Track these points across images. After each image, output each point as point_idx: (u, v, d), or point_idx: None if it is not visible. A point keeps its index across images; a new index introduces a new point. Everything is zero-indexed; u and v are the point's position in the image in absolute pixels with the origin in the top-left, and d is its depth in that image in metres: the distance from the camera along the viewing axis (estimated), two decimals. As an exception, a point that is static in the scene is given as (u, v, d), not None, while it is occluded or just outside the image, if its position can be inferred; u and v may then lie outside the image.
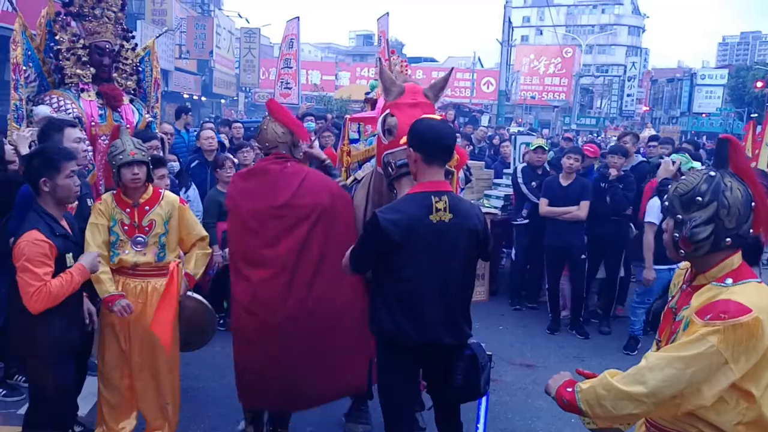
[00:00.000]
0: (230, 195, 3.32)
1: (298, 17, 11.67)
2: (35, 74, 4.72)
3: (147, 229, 3.29)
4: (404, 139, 2.73)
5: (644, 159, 7.11)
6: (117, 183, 3.32)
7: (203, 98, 27.55)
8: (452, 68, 3.21)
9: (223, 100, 32.07)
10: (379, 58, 3.62)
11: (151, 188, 3.37)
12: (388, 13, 10.44)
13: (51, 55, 4.76)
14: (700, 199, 1.84)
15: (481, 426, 2.76)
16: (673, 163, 5.30)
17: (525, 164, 6.59)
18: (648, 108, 54.94)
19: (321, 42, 56.16)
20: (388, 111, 2.93)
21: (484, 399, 2.76)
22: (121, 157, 3.23)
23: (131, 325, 3.29)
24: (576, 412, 1.97)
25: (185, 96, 24.70)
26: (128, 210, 3.28)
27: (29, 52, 4.65)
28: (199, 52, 23.73)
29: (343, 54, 48.50)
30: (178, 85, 23.01)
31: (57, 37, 4.73)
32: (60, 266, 2.78)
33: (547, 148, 6.70)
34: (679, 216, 1.91)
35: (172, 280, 3.26)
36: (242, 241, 3.20)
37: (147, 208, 3.31)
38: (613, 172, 5.78)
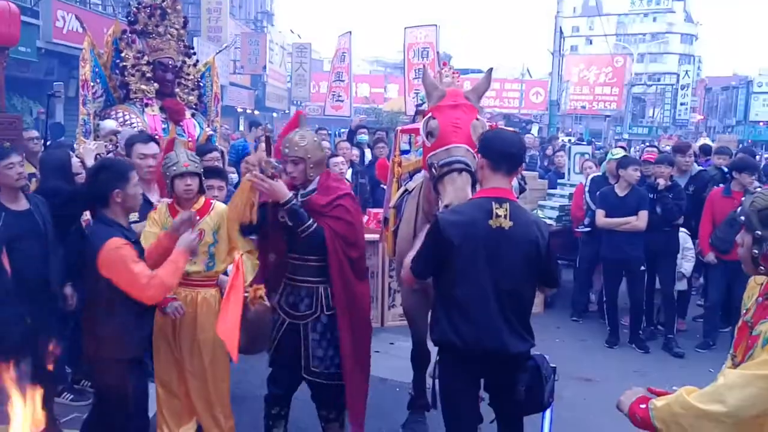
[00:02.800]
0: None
1: (350, 32, 11.78)
2: (102, 90, 4.95)
3: (197, 238, 3.34)
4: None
5: (703, 168, 6.89)
6: (170, 194, 3.41)
7: (256, 112, 28.12)
8: (491, 68, 3.21)
9: (275, 114, 32.66)
10: (425, 66, 3.66)
11: (202, 199, 3.45)
12: (437, 26, 10.43)
13: (117, 71, 4.97)
14: None
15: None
16: None
17: (600, 174, 6.47)
18: (703, 117, 53.17)
19: (369, 56, 56.60)
20: (430, 114, 2.98)
21: (548, 412, 2.71)
22: (174, 168, 3.32)
23: (180, 332, 3.35)
24: (650, 430, 1.91)
25: (239, 110, 25.29)
26: None
27: (97, 69, 4.87)
28: (253, 67, 24.25)
29: (392, 67, 48.77)
30: (232, 100, 23.56)
31: (122, 54, 4.94)
32: None
33: None
34: (758, 232, 1.85)
35: (237, 272, 3.18)
36: None
37: (197, 218, 3.35)
38: (662, 182, 5.65)
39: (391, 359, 5.27)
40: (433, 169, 2.86)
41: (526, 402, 2.61)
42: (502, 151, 2.61)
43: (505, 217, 2.54)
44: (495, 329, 2.55)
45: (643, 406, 1.92)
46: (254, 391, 4.06)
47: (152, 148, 3.79)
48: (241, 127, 20.47)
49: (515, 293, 2.60)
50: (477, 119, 2.94)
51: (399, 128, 4.21)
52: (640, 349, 5.68)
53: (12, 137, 4.47)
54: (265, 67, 25.19)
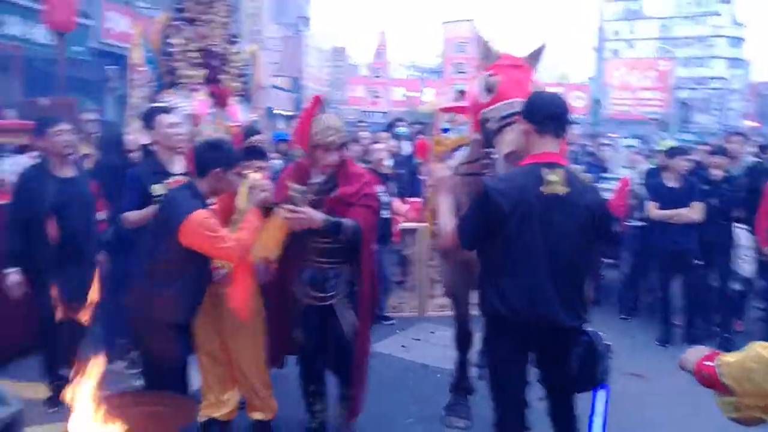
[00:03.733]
0: None
1: (385, 30, 11.84)
2: (152, 75, 5.03)
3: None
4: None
5: (759, 160, 6.65)
6: None
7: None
8: (544, 43, 3.12)
9: (312, 117, 32.93)
10: (479, 37, 3.57)
11: None
12: (473, 20, 10.40)
13: (166, 57, 5.04)
14: None
15: (599, 420, 2.58)
16: None
17: (654, 167, 6.29)
18: (759, 125, 51.46)
19: (406, 60, 56.45)
20: (489, 72, 2.90)
21: (603, 391, 2.59)
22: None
23: (222, 302, 3.31)
24: (717, 388, 1.79)
25: (279, 112, 25.53)
26: None
27: (147, 55, 4.97)
28: (292, 70, 24.54)
29: (428, 71, 48.72)
30: (272, 102, 23.83)
31: (171, 41, 5.00)
32: None
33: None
34: None
35: None
36: None
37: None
38: (718, 172, 5.46)
39: (432, 348, 5.23)
40: (489, 124, 2.78)
41: (578, 378, 2.51)
42: (548, 112, 2.51)
43: (560, 183, 2.44)
44: (547, 300, 2.46)
45: (710, 363, 1.80)
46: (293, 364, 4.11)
47: (174, 117, 3.78)
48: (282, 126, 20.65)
49: (570, 263, 2.50)
50: (533, 82, 2.88)
51: (440, 107, 4.17)
52: (695, 348, 5.45)
53: (69, 118, 4.61)
54: (303, 70, 25.43)
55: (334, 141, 3.08)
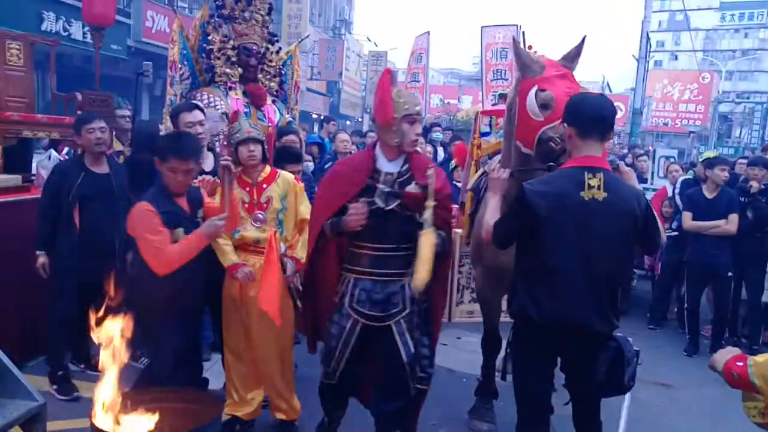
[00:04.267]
0: None
1: (428, 32, 11.71)
2: (189, 72, 5.07)
3: (265, 205, 3.36)
4: None
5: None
6: (236, 162, 3.39)
7: (333, 123, 28.65)
8: (585, 36, 3.04)
9: (348, 122, 33.15)
10: (513, 37, 3.52)
11: (268, 168, 3.47)
12: (518, 26, 10.28)
13: (203, 54, 5.09)
14: None
15: (622, 426, 2.55)
16: None
17: (690, 178, 6.25)
18: (803, 140, 49.79)
19: (444, 67, 56.40)
20: (536, 87, 2.81)
21: (627, 396, 2.56)
22: (237, 135, 3.36)
23: (250, 300, 3.32)
24: (746, 388, 1.78)
25: (314, 116, 25.79)
26: (248, 188, 3.36)
27: (184, 51, 5.00)
28: (329, 73, 24.66)
29: (466, 78, 48.61)
30: (307, 105, 23.99)
31: (209, 38, 5.05)
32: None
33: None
34: None
35: (270, 248, 3.19)
36: None
37: (265, 185, 3.39)
38: (755, 184, 5.39)
39: (458, 352, 5.20)
40: (553, 143, 2.70)
41: (605, 383, 2.47)
42: (591, 114, 2.44)
43: (599, 187, 2.38)
44: (580, 305, 2.41)
45: (740, 363, 1.79)
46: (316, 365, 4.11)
47: (197, 115, 3.78)
48: (315, 129, 20.87)
49: (606, 269, 2.44)
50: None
51: (480, 110, 4.14)
52: (723, 360, 5.36)
53: (104, 114, 4.71)
54: (341, 74, 25.55)
55: (420, 110, 2.80)
